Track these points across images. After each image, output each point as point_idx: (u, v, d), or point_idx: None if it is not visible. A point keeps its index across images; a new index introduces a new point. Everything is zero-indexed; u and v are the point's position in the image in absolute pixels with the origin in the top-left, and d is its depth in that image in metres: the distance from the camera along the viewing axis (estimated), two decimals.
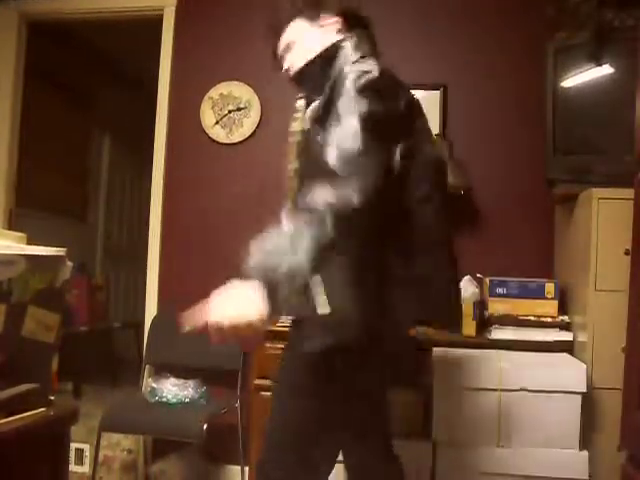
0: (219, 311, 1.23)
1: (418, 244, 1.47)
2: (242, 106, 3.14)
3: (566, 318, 2.39)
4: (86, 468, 2.99)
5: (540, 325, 2.36)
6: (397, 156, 1.42)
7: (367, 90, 1.37)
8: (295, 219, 1.27)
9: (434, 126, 2.92)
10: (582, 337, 2.26)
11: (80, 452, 3.01)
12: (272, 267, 1.23)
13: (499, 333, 2.35)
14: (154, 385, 2.72)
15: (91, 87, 4.77)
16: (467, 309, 2.39)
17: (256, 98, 3.13)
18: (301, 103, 1.65)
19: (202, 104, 3.17)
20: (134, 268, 5.07)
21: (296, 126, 1.63)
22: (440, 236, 1.54)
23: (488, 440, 2.18)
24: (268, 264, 1.23)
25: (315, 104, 1.55)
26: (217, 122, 3.16)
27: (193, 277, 3.12)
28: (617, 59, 2.27)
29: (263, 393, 2.45)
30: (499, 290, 2.43)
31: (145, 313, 3.17)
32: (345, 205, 1.24)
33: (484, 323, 2.44)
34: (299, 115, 1.64)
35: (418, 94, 2.92)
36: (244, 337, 1.25)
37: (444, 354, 2.27)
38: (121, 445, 3.03)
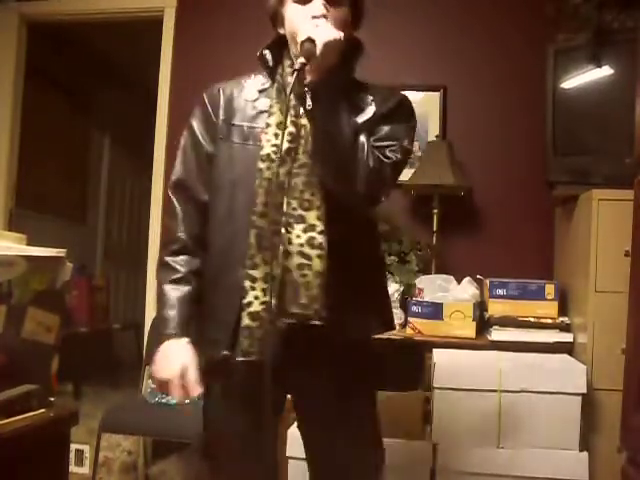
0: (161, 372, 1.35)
1: None
2: None
3: (566, 319, 2.39)
4: (86, 469, 2.99)
5: (540, 326, 2.36)
6: None
7: None
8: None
9: (434, 127, 2.93)
10: (582, 338, 2.26)
11: (80, 453, 3.01)
12: None
13: (499, 334, 2.35)
14: (154, 386, 2.72)
15: (91, 88, 4.78)
16: (467, 310, 2.39)
17: None
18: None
19: None
20: (134, 269, 5.07)
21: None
22: None
23: (488, 441, 2.18)
24: None
25: None
26: None
27: None
28: (617, 60, 2.27)
29: None
30: (499, 291, 2.43)
31: (145, 314, 3.17)
32: None
33: (484, 324, 2.44)
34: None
35: (418, 95, 2.97)
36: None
37: (444, 355, 2.27)
38: (121, 446, 3.03)
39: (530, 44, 2.84)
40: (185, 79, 3.23)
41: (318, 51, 1.22)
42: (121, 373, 4.29)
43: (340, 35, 1.26)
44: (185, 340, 1.34)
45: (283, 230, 1.30)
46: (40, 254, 1.20)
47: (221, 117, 1.43)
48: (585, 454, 2.14)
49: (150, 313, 3.14)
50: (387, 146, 1.34)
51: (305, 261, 1.29)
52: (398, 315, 2.54)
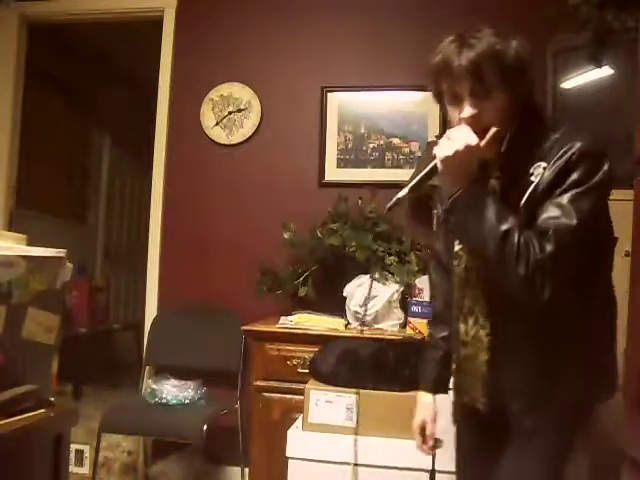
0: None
1: None
2: (242, 107, 3.14)
3: None
4: (86, 469, 2.99)
5: None
6: None
7: None
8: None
9: (434, 127, 2.93)
10: None
11: (80, 453, 3.01)
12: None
13: None
14: (154, 386, 2.72)
15: (91, 88, 4.77)
16: None
17: (256, 99, 3.13)
18: None
19: (202, 105, 3.17)
20: (134, 269, 5.07)
21: None
22: None
23: None
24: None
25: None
26: (217, 123, 3.16)
27: (193, 278, 3.12)
28: (617, 61, 2.27)
29: (263, 394, 2.45)
30: None
31: (145, 314, 3.17)
32: None
33: None
34: None
35: (418, 95, 2.97)
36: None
37: None
38: (121, 446, 3.03)
39: (530, 44, 2.83)
40: (185, 79, 3.23)
41: (439, 168, 1.26)
42: (121, 373, 4.29)
43: (468, 143, 1.22)
44: (430, 397, 1.56)
45: (459, 321, 1.42)
46: (40, 254, 1.20)
47: None
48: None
49: (150, 313, 3.15)
50: (542, 232, 1.20)
51: (471, 352, 1.39)
52: (398, 315, 2.55)
